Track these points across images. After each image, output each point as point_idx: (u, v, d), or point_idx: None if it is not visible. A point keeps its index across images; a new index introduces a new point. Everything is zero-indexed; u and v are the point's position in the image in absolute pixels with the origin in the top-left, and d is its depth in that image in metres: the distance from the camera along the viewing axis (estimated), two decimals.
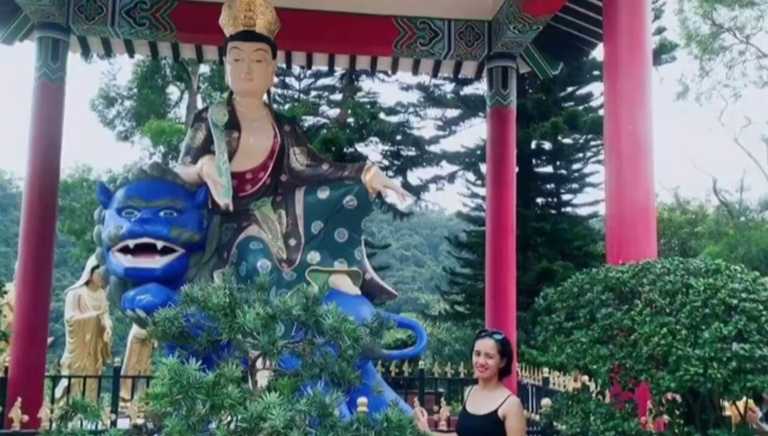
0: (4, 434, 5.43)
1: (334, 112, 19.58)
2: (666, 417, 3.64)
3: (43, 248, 7.08)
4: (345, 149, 17.29)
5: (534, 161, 17.98)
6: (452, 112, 19.52)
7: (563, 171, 18.21)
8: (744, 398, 3.43)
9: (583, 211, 18.40)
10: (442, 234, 32.79)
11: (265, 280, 3.36)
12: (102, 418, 3.02)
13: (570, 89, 18.24)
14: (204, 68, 21.20)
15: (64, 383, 9.02)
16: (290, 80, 19.78)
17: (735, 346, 3.09)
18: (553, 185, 18.31)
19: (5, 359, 7.02)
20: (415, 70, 8.62)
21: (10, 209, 37.45)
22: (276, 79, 14.60)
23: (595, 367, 3.46)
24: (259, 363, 3.07)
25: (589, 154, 18.05)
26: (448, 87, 19.22)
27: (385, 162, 18.69)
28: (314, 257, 6.12)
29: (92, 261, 10.07)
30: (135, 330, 10.35)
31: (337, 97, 19.69)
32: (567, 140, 17.83)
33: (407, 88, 19.39)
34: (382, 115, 18.84)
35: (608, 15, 5.55)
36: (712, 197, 27.13)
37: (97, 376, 9.42)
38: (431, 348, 17.73)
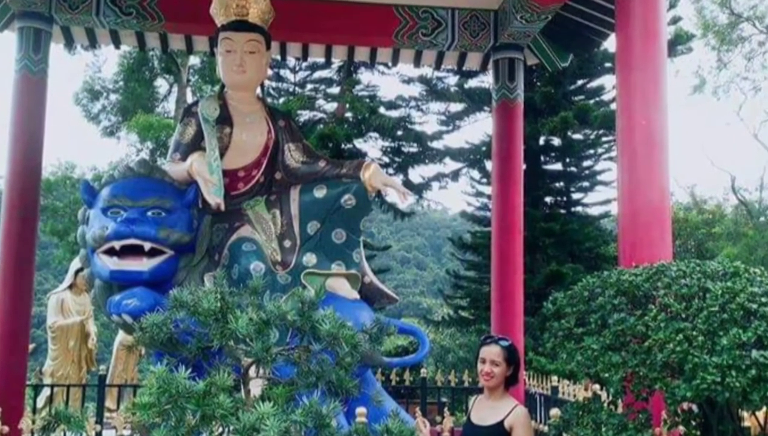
0: None
1: (332, 107, 19.57)
2: (682, 428, 3.64)
3: (24, 250, 7.07)
4: (343, 145, 17.30)
5: (542, 158, 17.98)
6: (456, 107, 19.51)
7: (573, 168, 18.21)
8: (764, 408, 3.43)
9: (594, 211, 18.42)
10: (446, 235, 32.80)
11: (259, 283, 3.37)
12: (86, 429, 3.02)
13: (580, 82, 18.25)
14: (194, 60, 21.23)
15: (46, 392, 9.03)
16: (285, 73, 19.78)
17: (754, 353, 3.09)
18: (562, 183, 18.31)
19: None
20: (417, 61, 8.62)
21: None
22: (270, 72, 14.64)
23: (606, 375, 3.46)
24: (252, 371, 3.08)
25: (600, 150, 18.05)
26: (452, 80, 19.22)
27: (385, 159, 18.69)
28: (310, 259, 6.13)
29: (76, 263, 10.09)
30: (121, 336, 10.37)
31: (335, 90, 19.67)
32: (577, 136, 17.83)
33: (408, 81, 19.39)
34: (381, 110, 18.83)
35: (621, 3, 5.55)
36: (731, 196, 27.13)
37: (81, 385, 9.41)
38: (434, 355, 17.76)
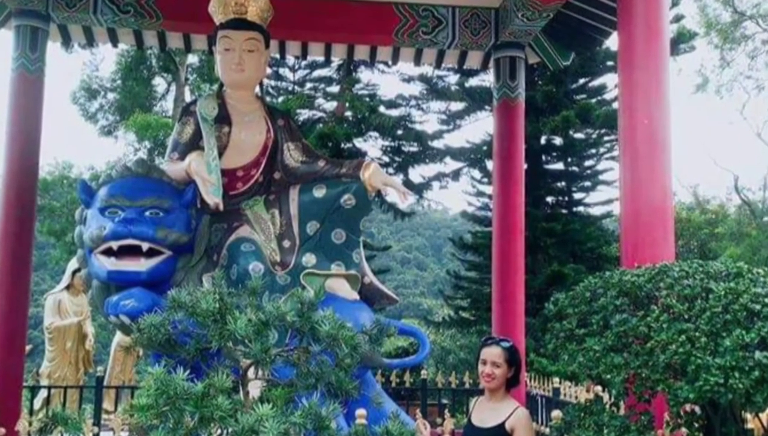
0: None
1: (331, 106, 19.59)
2: (684, 430, 3.64)
3: (21, 250, 7.07)
4: (342, 145, 17.31)
5: (544, 157, 17.99)
6: (457, 106, 19.53)
7: (575, 168, 18.22)
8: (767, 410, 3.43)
9: (596, 211, 18.44)
10: (446, 235, 32.83)
11: (258, 284, 3.37)
12: (84, 431, 3.02)
13: (582, 81, 18.25)
14: (192, 58, 21.23)
15: (43, 393, 9.03)
16: (284, 71, 19.79)
17: (758, 354, 3.09)
18: (564, 183, 18.33)
19: None
20: (417, 60, 8.61)
21: None
22: (269, 71, 14.63)
23: (608, 376, 3.46)
24: (251, 372, 3.08)
25: (602, 149, 18.07)
26: (453, 78, 19.23)
27: (385, 158, 18.70)
28: (310, 259, 6.13)
29: (73, 264, 10.09)
30: (119, 337, 10.38)
31: (334, 89, 19.68)
32: (579, 135, 17.84)
33: (409, 79, 19.40)
34: (381, 109, 18.84)
35: (623, 2, 5.54)
36: (734, 196, 27.16)
37: (78, 386, 9.42)
38: (434, 357, 17.77)
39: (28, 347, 7.84)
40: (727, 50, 26.69)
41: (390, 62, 9.90)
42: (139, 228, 5.58)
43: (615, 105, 15.07)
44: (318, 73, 19.93)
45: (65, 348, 10.16)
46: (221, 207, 6.06)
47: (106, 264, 5.57)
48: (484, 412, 3.90)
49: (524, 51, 8.16)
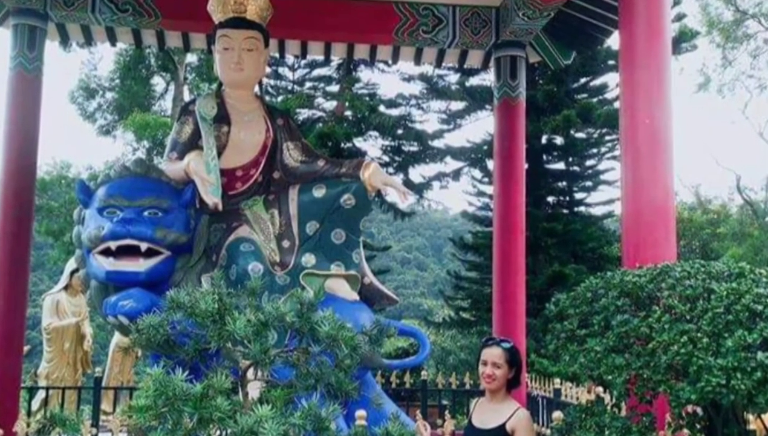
0: None
1: (331, 105, 19.59)
2: (686, 431, 3.64)
3: (19, 251, 7.07)
4: (342, 144, 17.30)
5: (545, 157, 17.99)
6: (457, 105, 19.52)
7: (576, 168, 18.22)
8: None
9: (597, 211, 18.43)
10: (447, 235, 32.83)
11: (257, 284, 3.37)
12: (82, 432, 3.02)
13: (583, 80, 18.25)
14: (191, 58, 21.25)
15: (41, 394, 9.03)
16: (283, 70, 19.78)
17: (760, 355, 3.09)
18: (565, 183, 18.32)
19: None
20: (418, 59, 8.62)
21: None
22: (268, 70, 14.63)
23: (610, 377, 3.47)
24: (250, 373, 3.08)
25: (603, 149, 18.06)
26: (453, 78, 19.22)
27: (385, 158, 18.70)
28: (309, 259, 6.13)
29: (71, 264, 10.09)
30: (117, 338, 10.37)
31: (334, 88, 19.68)
32: (580, 135, 17.83)
33: (409, 79, 19.39)
34: (381, 108, 18.83)
35: (624, 0, 5.55)
36: (736, 196, 27.20)
37: (76, 387, 9.42)
38: (435, 357, 17.78)
39: (26, 348, 7.83)
40: (729, 49, 26.73)
41: (390, 61, 9.91)
42: (137, 228, 5.58)
43: (616, 104, 15.06)
44: (318, 72, 19.94)
45: (63, 349, 10.16)
46: (220, 207, 6.06)
47: (105, 264, 5.58)
48: (485, 413, 3.91)
49: (525, 50, 8.16)
